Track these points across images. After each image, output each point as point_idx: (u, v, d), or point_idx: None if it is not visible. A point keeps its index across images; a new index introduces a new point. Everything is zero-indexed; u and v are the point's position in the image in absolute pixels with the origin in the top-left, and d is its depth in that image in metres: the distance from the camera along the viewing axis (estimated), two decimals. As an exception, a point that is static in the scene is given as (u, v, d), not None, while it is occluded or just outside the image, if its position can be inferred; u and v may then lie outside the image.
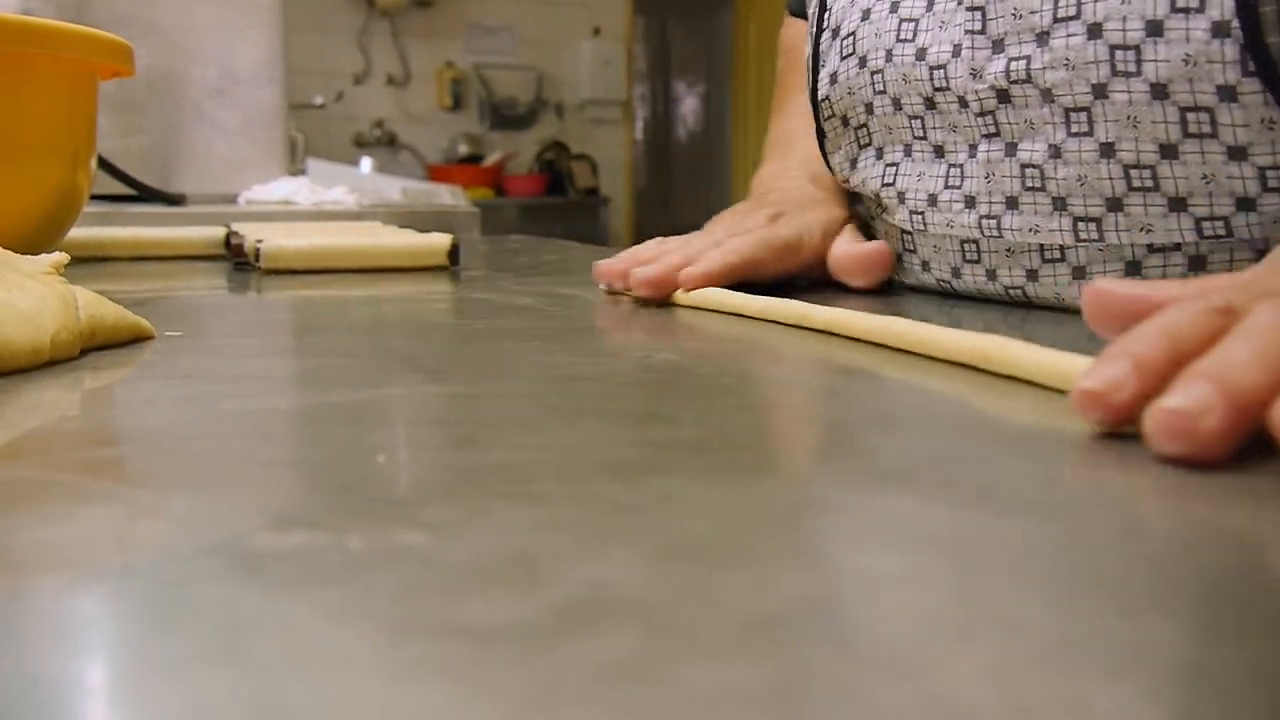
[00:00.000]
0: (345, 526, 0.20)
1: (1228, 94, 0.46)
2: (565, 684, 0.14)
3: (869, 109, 0.61)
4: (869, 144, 0.62)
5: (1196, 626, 0.16)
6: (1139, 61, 0.47)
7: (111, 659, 0.15)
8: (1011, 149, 0.54)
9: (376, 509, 0.21)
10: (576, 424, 0.30)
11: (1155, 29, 0.47)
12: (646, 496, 0.22)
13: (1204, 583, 0.18)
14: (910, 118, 0.59)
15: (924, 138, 0.59)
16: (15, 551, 0.19)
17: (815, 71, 0.64)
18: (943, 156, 0.58)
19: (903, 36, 0.58)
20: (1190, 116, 0.47)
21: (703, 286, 0.53)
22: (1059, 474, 0.25)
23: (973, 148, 0.56)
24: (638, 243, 0.64)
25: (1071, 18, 0.50)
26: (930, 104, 0.57)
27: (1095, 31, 0.49)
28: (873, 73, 0.59)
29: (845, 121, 0.63)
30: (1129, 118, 0.49)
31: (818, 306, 0.43)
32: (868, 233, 0.68)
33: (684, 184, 4.87)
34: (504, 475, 0.24)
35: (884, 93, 0.59)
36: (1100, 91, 0.49)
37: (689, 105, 4.96)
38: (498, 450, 0.26)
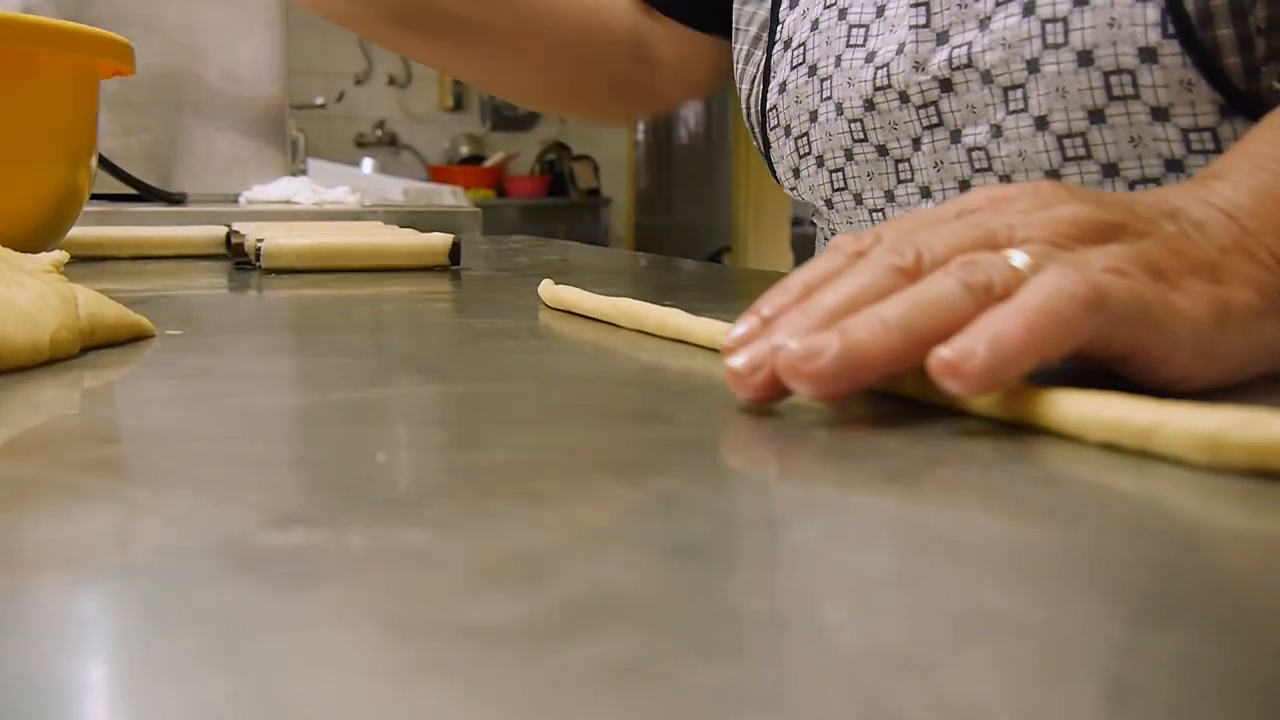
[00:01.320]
0: (346, 525, 0.20)
1: (1148, 55, 0.48)
2: (566, 684, 0.14)
3: (813, 117, 0.62)
4: (809, 153, 0.64)
5: (1198, 628, 0.16)
6: (1066, 32, 0.50)
7: (111, 658, 0.15)
8: (956, 136, 0.56)
9: (377, 508, 0.21)
10: (577, 424, 0.30)
11: None
12: (648, 496, 0.22)
13: (1206, 585, 0.18)
14: (850, 121, 0.60)
15: (864, 139, 0.60)
16: (15, 550, 0.19)
17: (765, 82, 0.66)
18: (887, 154, 0.59)
19: (853, 42, 0.60)
20: (1114, 79, 0.49)
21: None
22: (1060, 475, 0.25)
23: (916, 141, 0.58)
24: (639, 244, 0.64)
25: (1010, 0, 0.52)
26: (870, 105, 0.58)
27: (1029, 9, 0.51)
28: (822, 80, 0.61)
29: (788, 131, 0.64)
30: (1058, 89, 0.51)
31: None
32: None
33: (685, 185, 4.86)
34: (505, 475, 0.24)
35: (829, 98, 0.61)
36: (1033, 66, 0.51)
37: (691, 106, 4.96)
38: (498, 450, 0.26)
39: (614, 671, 0.14)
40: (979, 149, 0.55)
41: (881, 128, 0.59)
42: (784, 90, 0.64)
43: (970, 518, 0.22)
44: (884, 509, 0.22)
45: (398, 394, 0.33)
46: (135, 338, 0.41)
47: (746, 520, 0.21)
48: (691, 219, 4.61)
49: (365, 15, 0.65)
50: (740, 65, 0.69)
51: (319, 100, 3.78)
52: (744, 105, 0.69)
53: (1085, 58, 0.49)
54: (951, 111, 0.55)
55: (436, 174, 3.79)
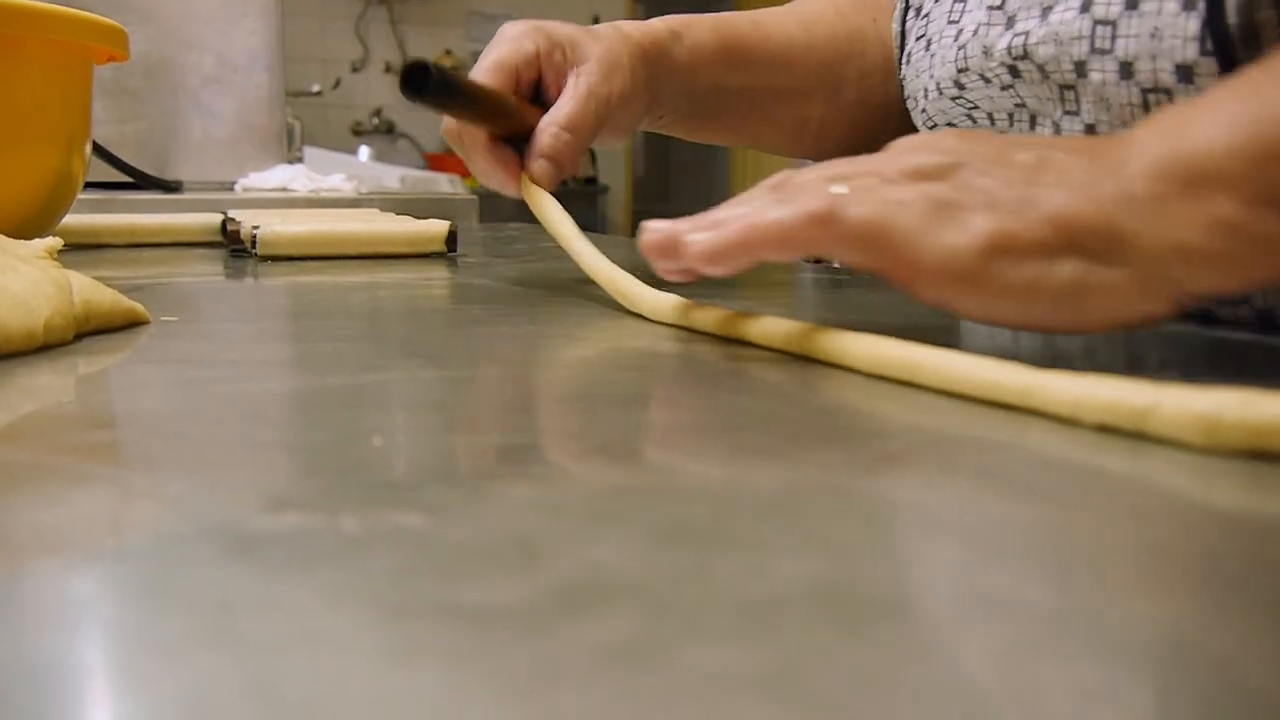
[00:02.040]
0: (341, 508, 0.20)
1: (1185, 74, 0.45)
2: (564, 665, 0.14)
3: (925, 93, 0.61)
4: (934, 125, 0.62)
5: (1199, 609, 0.16)
6: (1114, 38, 0.47)
7: (106, 640, 0.15)
8: (1033, 121, 0.54)
9: (373, 491, 0.21)
10: (574, 407, 0.30)
11: (1133, 2, 0.46)
12: (645, 479, 0.22)
13: (1206, 566, 0.18)
14: (952, 99, 0.59)
15: (977, 107, 0.58)
16: (10, 533, 0.19)
17: (901, 49, 0.64)
18: (994, 125, 0.58)
19: (952, 18, 0.58)
20: (1151, 98, 0.46)
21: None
22: (1061, 458, 0.25)
23: (1010, 117, 0.56)
24: (636, 231, 0.64)
25: None
26: (960, 85, 0.57)
27: (1086, 6, 0.48)
28: (931, 56, 0.59)
29: (915, 101, 0.63)
30: (1103, 99, 0.49)
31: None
32: None
33: (683, 172, 4.85)
34: (500, 458, 0.24)
35: (933, 76, 0.59)
36: (1081, 69, 0.49)
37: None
38: (495, 433, 0.26)
39: (610, 653, 0.14)
40: None
41: (983, 100, 0.57)
42: (909, 61, 0.62)
43: (969, 500, 0.22)
44: (882, 491, 0.22)
45: (393, 379, 0.33)
46: (130, 324, 0.41)
47: (744, 503, 0.21)
48: (689, 206, 4.59)
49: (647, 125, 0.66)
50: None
51: (315, 88, 3.76)
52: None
53: (1126, 70, 0.46)
54: (1028, 98, 0.54)
55: (433, 162, 3.78)
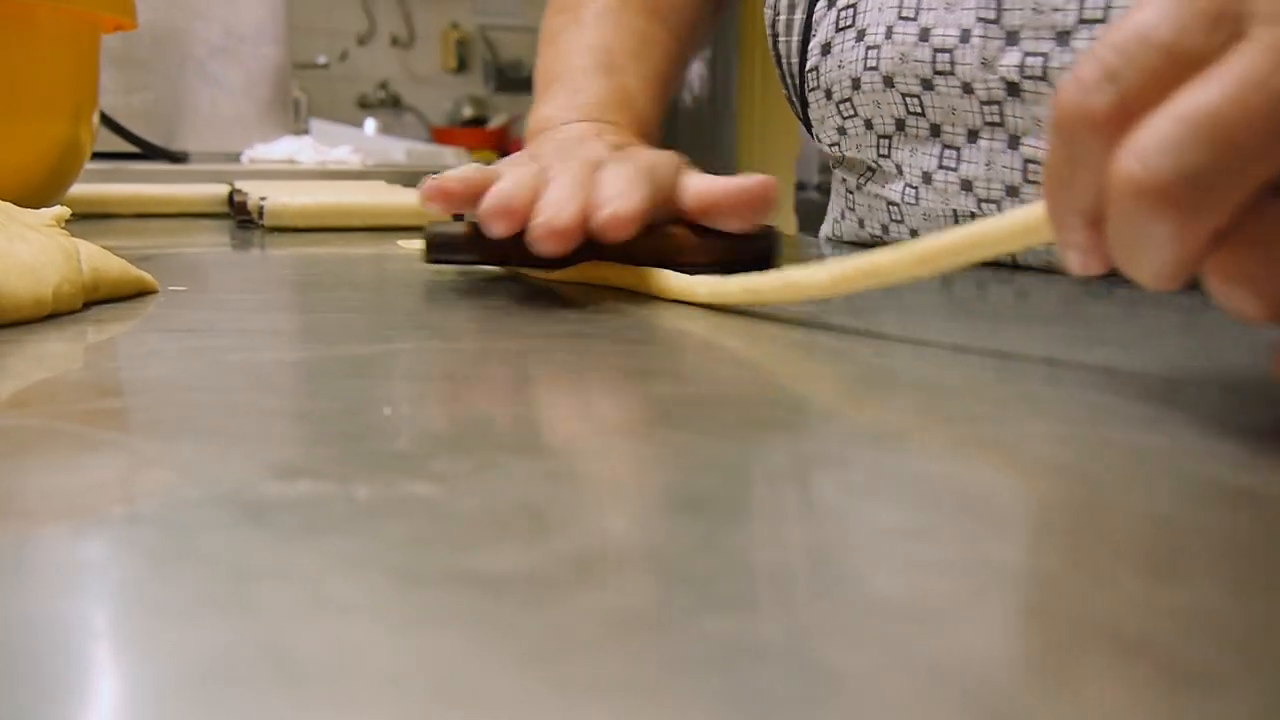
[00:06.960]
0: (352, 477, 0.20)
1: None
2: (576, 633, 0.14)
3: (856, 84, 0.60)
4: (854, 115, 0.61)
5: (1207, 584, 0.16)
6: None
7: (118, 605, 0.15)
8: (1015, 142, 0.54)
9: (383, 460, 0.21)
10: (583, 379, 0.30)
11: None
12: (656, 450, 0.22)
13: (1217, 540, 0.18)
14: (904, 95, 0.58)
15: (920, 114, 0.57)
16: (21, 498, 0.19)
17: (806, 40, 0.63)
18: (938, 136, 0.57)
19: (905, 14, 0.56)
20: None
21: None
22: (1069, 432, 0.25)
23: (973, 133, 0.55)
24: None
25: (1097, 20, 0.49)
26: (928, 85, 0.56)
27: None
28: (869, 48, 0.58)
29: (829, 94, 0.62)
30: None
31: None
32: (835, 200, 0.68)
33: (689, 149, 4.79)
34: (511, 428, 0.24)
35: (875, 69, 0.58)
36: None
37: (695, 71, 4.91)
38: (504, 404, 0.26)
39: (621, 621, 0.14)
40: (1035, 162, 0.52)
41: (940, 108, 0.56)
42: (828, 52, 0.61)
43: (980, 472, 0.22)
44: (894, 463, 0.22)
45: (402, 349, 0.33)
46: (138, 293, 0.41)
47: (755, 474, 0.21)
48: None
49: None
50: (776, 14, 0.66)
51: (321, 59, 3.75)
52: (779, 60, 0.66)
53: None
54: (1015, 117, 0.53)
55: (439, 135, 3.76)
